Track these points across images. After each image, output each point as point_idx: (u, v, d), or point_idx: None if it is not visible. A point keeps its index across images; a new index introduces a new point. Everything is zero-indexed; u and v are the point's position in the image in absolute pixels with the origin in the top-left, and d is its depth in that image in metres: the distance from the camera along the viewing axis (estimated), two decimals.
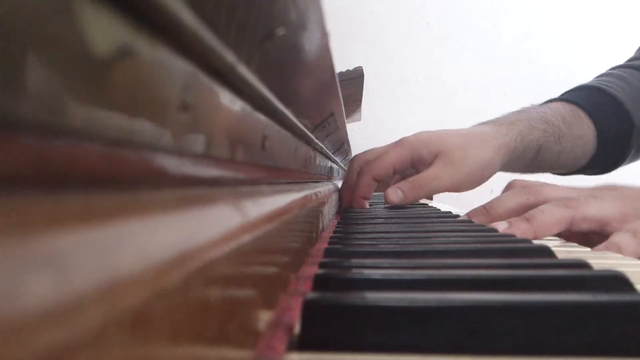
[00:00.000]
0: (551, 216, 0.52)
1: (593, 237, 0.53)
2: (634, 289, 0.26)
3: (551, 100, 0.89)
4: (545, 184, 0.60)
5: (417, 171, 0.77)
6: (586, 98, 0.86)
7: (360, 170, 0.79)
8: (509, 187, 0.63)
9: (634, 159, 0.91)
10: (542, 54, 1.87)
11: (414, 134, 0.78)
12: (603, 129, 0.84)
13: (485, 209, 0.60)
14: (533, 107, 0.86)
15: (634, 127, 0.85)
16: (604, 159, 0.88)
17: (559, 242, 0.53)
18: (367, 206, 0.80)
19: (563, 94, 0.90)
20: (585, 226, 0.52)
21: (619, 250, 0.46)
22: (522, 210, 0.55)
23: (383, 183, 0.84)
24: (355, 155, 0.85)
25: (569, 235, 0.55)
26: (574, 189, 0.58)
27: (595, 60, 1.86)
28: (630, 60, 0.96)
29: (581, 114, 0.84)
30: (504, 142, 0.77)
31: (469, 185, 0.75)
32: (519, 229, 0.51)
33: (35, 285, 0.07)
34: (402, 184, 0.75)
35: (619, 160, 0.89)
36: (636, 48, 0.98)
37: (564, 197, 0.54)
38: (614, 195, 0.54)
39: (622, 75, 0.89)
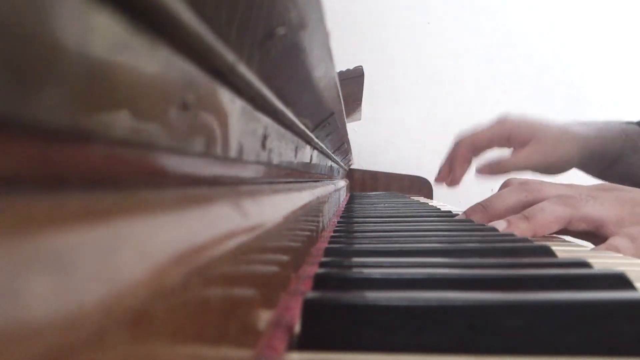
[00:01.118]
0: (551, 214, 0.52)
1: (587, 237, 0.53)
2: (634, 288, 0.26)
3: (629, 122, 0.95)
4: (543, 181, 0.61)
5: (510, 145, 0.84)
6: None
7: (456, 143, 0.85)
8: (506, 184, 0.64)
9: None
10: (542, 54, 1.87)
11: (515, 115, 0.84)
12: None
13: (483, 206, 0.60)
14: (617, 122, 0.92)
15: None
16: None
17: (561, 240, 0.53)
18: (459, 182, 0.86)
19: (638, 121, 0.96)
20: (582, 226, 0.52)
21: (616, 251, 0.47)
22: (521, 208, 0.55)
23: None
24: (458, 133, 0.90)
25: (565, 233, 0.55)
26: (572, 186, 0.58)
27: (595, 60, 1.87)
28: None
29: None
30: (589, 145, 0.84)
31: (549, 172, 0.83)
32: (518, 227, 0.51)
33: (35, 285, 0.07)
34: (494, 159, 0.82)
35: None
36: None
37: (563, 195, 0.55)
38: (613, 197, 0.54)
39: None
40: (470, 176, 0.86)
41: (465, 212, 0.63)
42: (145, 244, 0.11)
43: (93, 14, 0.09)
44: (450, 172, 0.86)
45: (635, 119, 0.97)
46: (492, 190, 0.75)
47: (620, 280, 0.26)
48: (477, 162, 0.86)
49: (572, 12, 1.87)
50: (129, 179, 0.12)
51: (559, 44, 1.87)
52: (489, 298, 0.22)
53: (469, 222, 0.58)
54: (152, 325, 0.10)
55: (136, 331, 0.10)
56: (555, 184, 0.59)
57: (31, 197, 0.08)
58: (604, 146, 0.85)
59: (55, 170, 0.09)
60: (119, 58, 0.10)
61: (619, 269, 0.28)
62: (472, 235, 0.48)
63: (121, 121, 0.11)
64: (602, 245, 0.49)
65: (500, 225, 0.53)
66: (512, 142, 0.83)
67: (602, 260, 0.38)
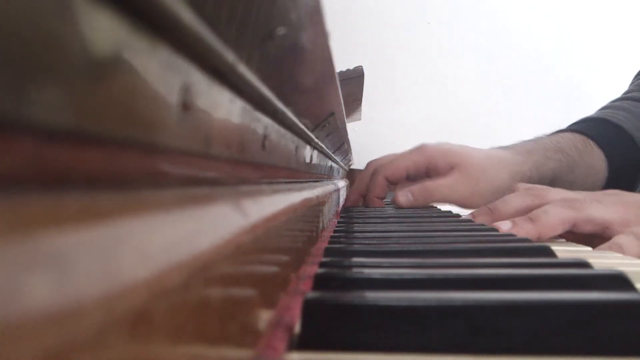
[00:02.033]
0: (555, 216, 0.52)
1: (594, 239, 0.53)
2: (634, 288, 0.26)
3: (561, 131, 0.91)
4: (548, 187, 0.61)
5: (429, 177, 0.78)
6: (594, 129, 0.87)
7: (374, 171, 0.81)
8: (513, 189, 0.64)
9: None
10: (542, 54, 1.87)
11: (435, 143, 0.80)
12: (613, 159, 0.85)
13: (489, 209, 0.60)
14: (547, 137, 0.87)
15: None
16: (614, 188, 0.89)
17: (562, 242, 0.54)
18: (382, 205, 0.82)
19: (571, 125, 0.92)
20: (588, 228, 0.52)
21: (621, 251, 0.47)
22: (526, 211, 0.55)
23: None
24: (371, 161, 0.86)
25: (571, 236, 0.55)
26: (578, 192, 0.59)
27: (595, 60, 1.87)
28: (627, 92, 0.98)
29: (591, 143, 0.86)
30: (520, 170, 0.79)
31: (477, 203, 0.75)
32: (523, 229, 0.51)
33: (35, 285, 0.07)
34: (414, 187, 0.77)
35: (630, 190, 0.90)
36: (633, 73, 1.00)
37: (567, 198, 0.55)
38: (617, 200, 0.54)
39: (623, 106, 0.91)
40: None
41: (472, 214, 0.63)
42: (145, 244, 0.11)
43: (93, 14, 0.09)
44: (362, 199, 0.84)
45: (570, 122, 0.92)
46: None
47: (620, 280, 0.26)
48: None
49: (572, 12, 1.87)
50: (129, 179, 0.12)
51: (559, 43, 1.87)
52: (489, 298, 0.22)
53: (469, 222, 0.58)
54: (152, 325, 0.10)
55: (136, 331, 0.10)
56: (561, 190, 0.60)
57: (31, 197, 0.08)
58: (536, 170, 0.80)
59: (55, 170, 0.09)
60: (119, 58, 0.10)
61: (619, 269, 0.28)
62: (472, 236, 0.48)
63: (121, 121, 0.11)
64: (606, 244, 0.49)
65: (506, 225, 0.52)
66: (430, 173, 0.79)
67: (602, 261, 0.38)
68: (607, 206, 0.53)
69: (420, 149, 0.79)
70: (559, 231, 0.52)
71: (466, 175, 0.76)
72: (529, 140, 0.87)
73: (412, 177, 0.80)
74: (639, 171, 0.88)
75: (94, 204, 0.10)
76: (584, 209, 0.52)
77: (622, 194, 0.56)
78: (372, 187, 0.81)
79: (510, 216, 0.56)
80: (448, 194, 0.76)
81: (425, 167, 0.78)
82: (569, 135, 0.87)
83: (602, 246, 0.49)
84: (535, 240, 0.49)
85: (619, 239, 0.48)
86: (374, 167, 0.83)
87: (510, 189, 0.64)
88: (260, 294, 0.20)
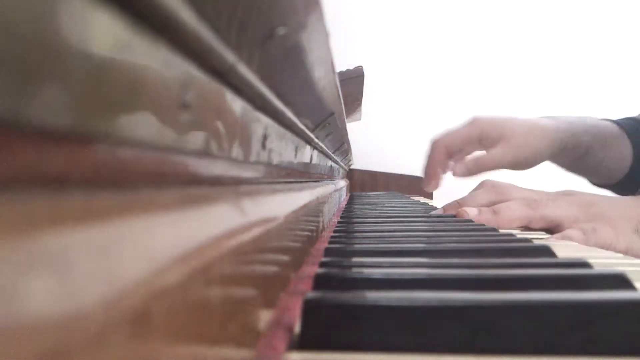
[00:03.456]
0: (514, 212, 0.61)
1: (548, 233, 0.61)
2: (634, 288, 0.26)
3: (604, 119, 0.99)
4: (512, 185, 0.69)
5: (484, 148, 0.87)
6: (629, 125, 0.97)
7: (434, 141, 0.89)
8: (481, 185, 0.73)
9: None
10: (542, 53, 1.87)
11: (486, 115, 0.88)
12: (638, 152, 0.95)
13: (458, 203, 0.70)
14: (590, 117, 0.96)
15: None
16: (636, 179, 0.96)
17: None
18: (439, 184, 0.89)
19: (614, 119, 1.00)
20: (541, 224, 0.61)
21: (571, 240, 0.54)
22: (491, 206, 0.64)
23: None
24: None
25: (528, 230, 0.63)
26: (537, 191, 0.67)
27: (596, 61, 1.87)
28: None
29: (624, 134, 0.95)
30: (560, 137, 0.87)
31: (523, 167, 0.86)
32: (487, 219, 0.60)
33: (35, 285, 0.07)
34: (469, 162, 0.86)
35: None
36: None
37: (527, 198, 0.63)
38: (571, 200, 0.62)
39: None
40: (463, 178, 0.87)
41: (443, 208, 0.72)
42: (146, 244, 0.11)
43: (93, 14, 0.09)
44: (430, 174, 0.90)
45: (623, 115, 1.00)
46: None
47: (620, 280, 0.26)
48: (453, 163, 0.89)
49: (572, 12, 1.87)
50: (129, 179, 0.12)
51: (560, 43, 1.87)
52: (489, 298, 0.22)
53: (469, 222, 0.59)
54: (152, 325, 0.10)
55: (136, 331, 0.10)
56: (522, 188, 0.69)
57: (31, 197, 0.08)
58: (574, 138, 0.88)
59: (55, 170, 0.09)
60: (119, 58, 0.10)
61: (619, 269, 0.28)
62: (472, 235, 0.48)
63: (121, 121, 0.11)
64: (558, 235, 0.56)
65: (472, 212, 0.62)
66: (483, 142, 0.87)
67: (601, 260, 0.38)
68: (560, 205, 0.61)
69: (472, 121, 0.87)
70: (516, 225, 0.61)
71: (511, 144, 0.84)
72: (568, 115, 0.94)
73: (468, 147, 0.89)
74: None
75: (94, 204, 0.10)
76: (539, 208, 0.61)
77: (576, 194, 0.64)
78: (433, 153, 0.88)
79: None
80: (497, 163, 0.84)
81: (479, 136, 0.86)
82: (609, 123, 0.96)
83: (555, 236, 0.56)
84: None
85: (568, 232, 0.56)
86: (433, 141, 0.89)
87: (479, 185, 0.73)
88: (260, 294, 0.20)
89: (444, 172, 0.89)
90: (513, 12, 1.87)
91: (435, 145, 0.88)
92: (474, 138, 0.87)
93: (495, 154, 0.85)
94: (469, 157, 0.87)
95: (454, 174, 0.86)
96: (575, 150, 0.90)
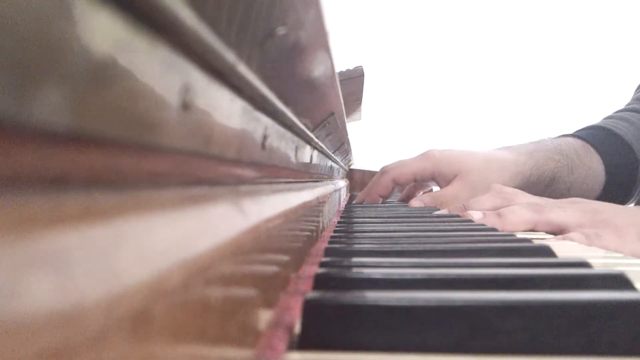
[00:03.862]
0: (520, 216, 0.60)
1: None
2: (634, 288, 0.26)
3: (564, 135, 0.97)
4: (518, 191, 0.69)
5: (437, 183, 0.87)
6: (595, 136, 0.95)
7: (383, 171, 0.90)
8: (488, 189, 0.72)
9: None
10: (542, 53, 1.87)
11: (441, 150, 0.87)
12: (610, 164, 0.92)
13: (463, 206, 0.69)
14: (549, 139, 0.94)
15: (639, 164, 0.94)
16: (612, 194, 0.94)
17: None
18: (379, 202, 0.92)
19: (574, 132, 0.98)
20: (547, 229, 0.60)
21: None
22: (496, 210, 0.63)
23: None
24: (385, 165, 0.95)
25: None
26: (543, 198, 0.67)
27: (596, 61, 1.87)
28: (629, 104, 1.05)
29: (591, 149, 0.92)
30: (521, 170, 0.85)
31: None
32: (491, 222, 0.60)
33: (35, 285, 0.07)
34: (425, 196, 0.86)
35: (627, 196, 0.97)
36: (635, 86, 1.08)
37: (532, 202, 0.63)
38: (576, 207, 0.62)
39: (624, 117, 0.99)
40: None
41: (449, 209, 0.72)
42: (145, 244, 0.11)
43: (93, 14, 0.09)
44: (369, 194, 0.92)
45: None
46: None
47: (620, 280, 0.26)
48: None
49: (572, 12, 1.87)
50: (129, 179, 0.12)
51: (559, 44, 1.87)
52: (489, 298, 0.22)
53: (469, 222, 0.59)
54: (152, 325, 0.10)
55: (136, 331, 0.10)
56: (529, 195, 0.68)
57: (31, 197, 0.08)
58: (536, 169, 0.86)
59: (55, 170, 0.09)
60: (119, 57, 0.10)
61: (619, 269, 0.28)
62: (472, 235, 0.48)
63: (121, 121, 0.11)
64: (559, 237, 0.56)
65: (477, 215, 0.62)
66: (436, 178, 0.87)
67: (601, 260, 0.38)
68: (566, 211, 0.60)
69: (427, 155, 0.87)
70: (521, 229, 0.60)
71: (468, 181, 0.83)
72: (532, 142, 0.92)
73: (419, 181, 0.89)
74: (635, 176, 0.95)
75: (94, 204, 0.10)
76: (545, 213, 0.60)
77: (581, 202, 0.63)
78: (377, 184, 0.89)
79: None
80: (452, 201, 0.82)
81: (432, 172, 0.85)
82: (570, 139, 0.94)
83: (557, 237, 0.56)
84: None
85: (571, 234, 0.56)
86: (384, 170, 0.91)
87: (486, 190, 0.72)
88: (260, 294, 0.20)
89: (385, 199, 0.92)
90: (513, 11, 1.87)
91: (384, 177, 0.89)
92: (427, 173, 0.86)
93: (451, 190, 0.84)
94: (426, 194, 0.87)
95: (409, 205, 0.86)
96: (541, 181, 0.87)
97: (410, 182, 0.89)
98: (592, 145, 0.92)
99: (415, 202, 0.85)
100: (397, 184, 0.89)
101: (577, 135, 0.95)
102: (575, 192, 0.91)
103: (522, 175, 0.85)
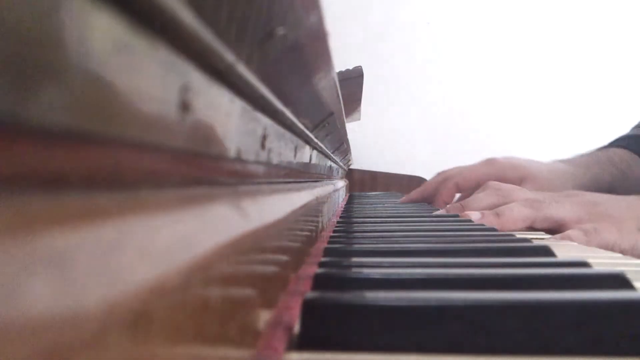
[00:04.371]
0: (518, 214, 0.60)
1: (552, 233, 0.60)
2: (634, 288, 0.26)
3: (606, 146, 0.98)
4: (515, 187, 0.70)
5: None
6: (633, 144, 0.96)
7: (447, 177, 0.90)
8: (484, 188, 0.72)
9: None
10: (542, 54, 1.87)
11: (504, 157, 0.88)
12: None
13: (461, 205, 0.69)
14: (599, 151, 0.96)
15: None
16: None
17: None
18: (444, 206, 0.90)
19: (613, 142, 0.99)
20: (545, 225, 0.61)
21: (570, 241, 0.54)
22: (494, 208, 0.63)
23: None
24: (442, 170, 0.96)
25: (532, 230, 0.63)
26: (541, 192, 0.67)
27: (595, 61, 1.87)
28: None
29: (637, 158, 0.94)
30: (580, 182, 0.86)
31: None
32: (489, 221, 0.60)
33: (35, 285, 0.07)
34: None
35: None
36: None
37: (530, 199, 0.63)
38: (575, 200, 0.62)
39: None
40: None
41: (446, 209, 0.72)
42: (145, 244, 0.11)
43: (93, 14, 0.09)
44: (436, 202, 0.90)
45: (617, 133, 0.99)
46: None
47: (620, 280, 0.26)
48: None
49: (572, 13, 1.87)
50: (129, 179, 0.12)
51: (559, 44, 1.87)
52: (489, 298, 0.22)
53: (469, 222, 0.59)
54: (152, 325, 0.10)
55: (136, 331, 0.10)
56: (526, 190, 0.69)
57: (31, 197, 0.08)
58: (595, 182, 0.87)
59: (55, 170, 0.09)
60: (119, 57, 0.10)
61: (619, 269, 0.28)
62: (471, 235, 0.48)
63: (121, 121, 0.11)
64: (558, 235, 0.56)
65: (475, 215, 0.61)
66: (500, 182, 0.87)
67: (600, 260, 0.38)
68: (565, 205, 0.60)
69: (490, 161, 0.87)
70: (520, 226, 0.60)
71: (537, 186, 0.82)
72: (584, 155, 0.94)
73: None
74: None
75: (94, 204, 0.10)
76: (543, 209, 0.60)
77: (579, 195, 0.63)
78: (442, 190, 0.89)
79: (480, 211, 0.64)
80: None
81: (496, 179, 0.83)
82: (617, 150, 0.95)
83: (555, 236, 0.56)
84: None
85: (569, 232, 0.56)
86: (445, 175, 0.91)
87: (484, 186, 0.72)
88: (260, 294, 0.20)
89: (448, 203, 0.88)
90: (513, 11, 1.87)
91: (448, 183, 0.88)
92: (491, 178, 0.83)
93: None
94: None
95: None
96: (599, 191, 0.86)
97: (472, 188, 0.86)
98: (637, 154, 0.94)
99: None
100: (459, 190, 0.89)
101: (621, 145, 0.96)
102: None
103: (582, 186, 0.84)
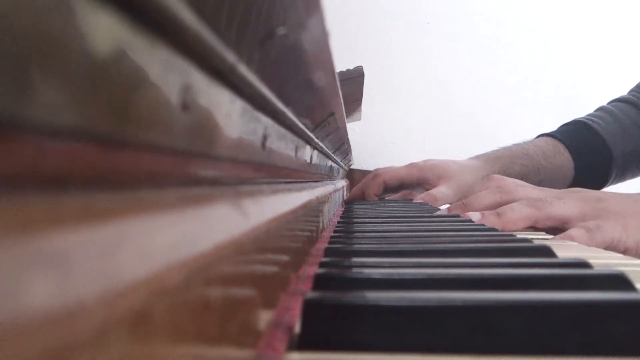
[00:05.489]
0: (519, 213, 0.60)
1: (556, 232, 0.59)
2: (634, 288, 0.26)
3: (541, 135, 1.09)
4: (517, 184, 0.70)
5: (422, 187, 1.01)
6: (568, 132, 1.07)
7: (375, 175, 1.05)
8: (488, 180, 0.74)
9: (617, 182, 1.10)
10: (542, 54, 1.87)
11: (423, 160, 1.03)
12: (581, 160, 1.04)
13: (463, 204, 0.70)
14: (515, 145, 1.06)
15: (612, 158, 1.05)
16: (583, 186, 0.98)
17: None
18: (377, 199, 1.05)
19: (553, 130, 1.10)
20: (548, 224, 0.60)
21: (572, 240, 0.53)
22: (496, 207, 0.64)
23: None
24: (376, 168, 1.09)
25: (535, 229, 0.63)
26: (543, 189, 0.67)
27: (594, 61, 1.87)
28: (630, 92, 1.14)
29: (561, 147, 1.05)
30: (487, 174, 0.95)
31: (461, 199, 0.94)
32: (490, 222, 0.59)
33: (35, 285, 0.07)
34: (424, 195, 0.99)
35: (599, 186, 1.07)
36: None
37: (532, 198, 0.63)
38: (577, 197, 0.61)
39: (609, 109, 1.10)
40: None
41: (448, 209, 0.74)
42: (145, 244, 0.11)
43: (93, 14, 0.09)
44: (362, 195, 1.06)
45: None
46: None
47: (620, 280, 0.26)
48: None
49: (571, 12, 1.87)
50: (129, 179, 0.12)
51: (559, 43, 1.87)
52: (489, 298, 0.22)
53: (469, 222, 0.59)
54: (152, 325, 0.10)
55: (136, 331, 0.10)
56: (528, 187, 0.69)
57: (31, 197, 0.08)
58: (503, 173, 0.95)
59: (55, 170, 0.09)
60: (119, 57, 0.10)
61: (619, 269, 0.28)
62: (472, 235, 0.48)
63: (121, 121, 0.11)
64: (560, 235, 0.55)
65: (475, 216, 0.61)
66: (421, 183, 1.01)
67: (601, 261, 0.38)
68: (567, 202, 0.60)
69: (412, 165, 1.03)
70: (521, 226, 0.60)
71: (452, 182, 0.97)
72: (499, 149, 1.06)
73: (406, 185, 1.04)
74: (609, 171, 1.05)
75: (94, 204, 0.10)
76: (545, 207, 0.60)
77: (583, 191, 0.63)
78: (372, 185, 1.04)
79: (481, 210, 0.65)
80: (445, 196, 0.96)
81: (417, 177, 1.01)
82: (540, 140, 1.06)
83: (556, 237, 0.55)
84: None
85: (570, 231, 0.55)
86: (376, 173, 1.05)
87: (484, 185, 0.74)
88: (260, 294, 0.20)
89: (378, 197, 1.04)
90: (513, 12, 1.87)
91: (377, 179, 1.03)
92: (413, 178, 1.01)
93: (442, 189, 0.97)
94: (424, 194, 0.99)
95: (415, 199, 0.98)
96: None
97: (397, 185, 1.03)
98: (562, 142, 1.04)
99: (418, 199, 0.97)
100: (386, 186, 1.03)
101: (552, 134, 1.06)
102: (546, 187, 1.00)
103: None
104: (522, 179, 0.93)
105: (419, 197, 0.98)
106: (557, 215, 0.59)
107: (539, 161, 1.02)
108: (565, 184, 1.03)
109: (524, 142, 1.07)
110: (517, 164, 1.01)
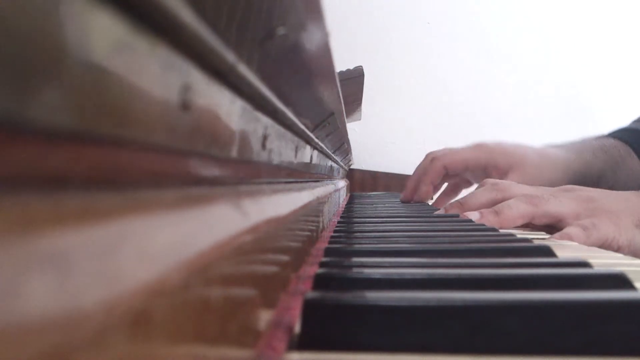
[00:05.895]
0: (516, 211, 0.60)
1: (551, 230, 0.60)
2: (634, 288, 0.26)
3: (602, 136, 0.96)
4: (512, 182, 0.69)
5: (487, 175, 0.81)
6: (632, 137, 0.93)
7: (433, 158, 0.84)
8: (482, 184, 0.71)
9: None
10: (543, 54, 1.87)
11: (494, 142, 0.84)
12: None
13: (460, 203, 0.69)
14: (593, 139, 0.93)
15: None
16: None
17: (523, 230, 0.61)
18: (431, 195, 0.85)
19: (610, 133, 0.97)
20: (544, 221, 0.60)
21: (570, 239, 0.53)
22: (492, 205, 0.63)
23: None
24: (430, 151, 0.89)
25: (531, 226, 0.62)
26: (538, 188, 0.66)
27: (595, 61, 1.87)
28: None
29: (630, 150, 0.92)
30: (571, 167, 0.85)
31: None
32: (488, 220, 0.59)
33: (35, 285, 0.07)
34: (557, 235, 0.85)
35: None
36: None
37: (528, 194, 0.62)
38: (572, 196, 0.61)
39: None
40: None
41: (445, 208, 0.71)
42: (145, 244, 0.11)
43: (93, 14, 0.09)
44: (417, 189, 0.86)
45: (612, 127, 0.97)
46: None
47: (620, 280, 0.26)
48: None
49: (572, 12, 1.87)
50: (129, 179, 0.12)
51: (559, 43, 1.87)
52: (489, 298, 0.22)
53: (469, 222, 0.59)
54: (152, 325, 0.10)
55: (136, 331, 0.10)
56: (523, 185, 0.68)
57: (31, 197, 0.08)
58: (586, 168, 0.85)
59: (55, 170, 0.09)
60: (119, 57, 0.10)
61: (619, 269, 0.28)
62: (472, 235, 0.48)
63: (121, 121, 0.11)
64: (557, 234, 0.55)
65: (474, 215, 0.61)
66: (488, 169, 0.82)
67: (601, 260, 0.38)
68: (562, 201, 0.60)
69: (480, 146, 0.83)
70: (519, 223, 0.60)
71: (524, 174, 0.80)
72: (577, 141, 0.91)
73: (471, 170, 0.84)
74: None
75: (94, 204, 0.10)
76: (541, 204, 0.60)
77: (576, 190, 0.63)
78: (430, 172, 0.84)
79: (478, 208, 0.63)
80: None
81: (485, 162, 0.82)
82: (611, 140, 0.93)
83: (554, 235, 0.55)
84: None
85: (568, 229, 0.55)
86: (433, 156, 0.85)
87: (480, 184, 0.71)
88: (260, 294, 0.20)
89: (434, 192, 0.86)
90: (513, 12, 1.87)
91: (435, 163, 0.83)
92: (480, 164, 0.82)
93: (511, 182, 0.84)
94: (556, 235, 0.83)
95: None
96: (588, 179, 0.84)
97: (460, 171, 0.84)
98: (630, 146, 0.92)
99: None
100: (447, 172, 0.84)
101: (616, 136, 0.94)
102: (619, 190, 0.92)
103: (573, 172, 0.83)
104: (601, 177, 0.86)
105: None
106: (552, 212, 0.59)
107: (616, 160, 0.90)
108: (635, 189, 0.95)
109: (595, 139, 0.93)
110: (599, 159, 0.88)
